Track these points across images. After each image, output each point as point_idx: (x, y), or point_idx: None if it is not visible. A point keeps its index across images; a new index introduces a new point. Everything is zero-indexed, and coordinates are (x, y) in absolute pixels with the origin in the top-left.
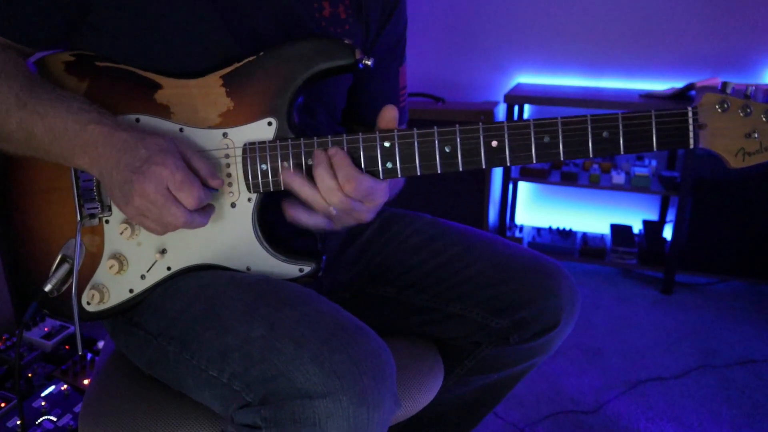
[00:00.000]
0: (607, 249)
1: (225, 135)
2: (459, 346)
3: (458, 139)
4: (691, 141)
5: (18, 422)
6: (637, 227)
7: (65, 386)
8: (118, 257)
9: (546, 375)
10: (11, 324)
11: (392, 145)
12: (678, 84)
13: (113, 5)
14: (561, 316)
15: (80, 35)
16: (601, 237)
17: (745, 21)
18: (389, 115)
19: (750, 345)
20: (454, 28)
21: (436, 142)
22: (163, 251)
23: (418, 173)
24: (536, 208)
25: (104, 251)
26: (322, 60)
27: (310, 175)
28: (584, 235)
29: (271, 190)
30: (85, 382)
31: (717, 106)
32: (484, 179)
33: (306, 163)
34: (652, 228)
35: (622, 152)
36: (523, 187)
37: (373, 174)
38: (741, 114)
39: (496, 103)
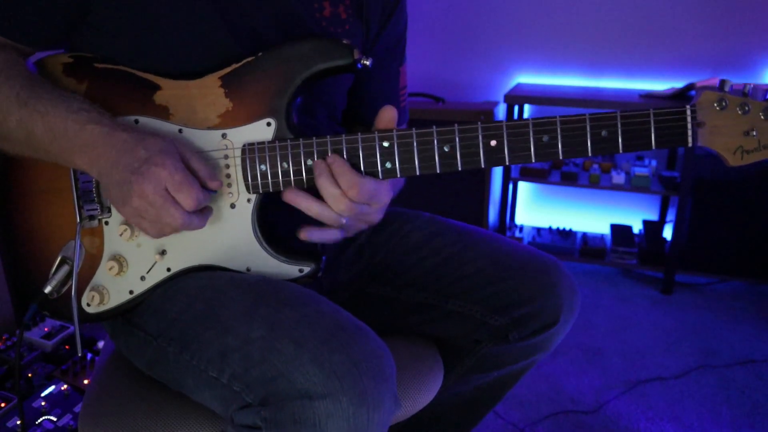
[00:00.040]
0: (607, 249)
1: (224, 136)
2: (459, 345)
3: (457, 139)
4: (690, 139)
5: (18, 422)
6: (637, 227)
7: (65, 386)
8: (117, 258)
9: (546, 375)
10: (11, 324)
11: (391, 145)
12: (678, 84)
13: (113, 5)
14: (561, 313)
15: (80, 35)
16: (601, 237)
17: (745, 21)
18: (387, 116)
19: (750, 345)
20: (454, 28)
21: (435, 141)
22: (162, 252)
23: (417, 173)
24: (536, 208)
25: (104, 253)
26: (321, 60)
27: (310, 174)
28: (584, 235)
29: (271, 190)
30: (85, 382)
31: (715, 104)
32: (484, 179)
33: (305, 163)
34: (652, 228)
35: (621, 151)
36: (523, 187)
37: (373, 175)
38: (739, 112)
39: (496, 103)
